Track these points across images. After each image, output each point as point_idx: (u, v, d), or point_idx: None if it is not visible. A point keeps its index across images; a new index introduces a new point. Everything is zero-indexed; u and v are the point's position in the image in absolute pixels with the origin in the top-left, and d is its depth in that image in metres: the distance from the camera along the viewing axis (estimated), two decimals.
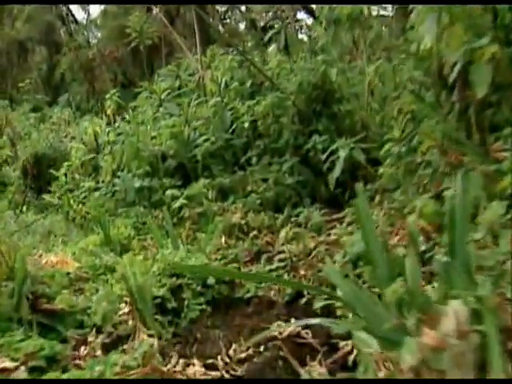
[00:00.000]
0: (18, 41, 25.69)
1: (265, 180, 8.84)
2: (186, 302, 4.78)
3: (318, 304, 4.27)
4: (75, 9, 27.70)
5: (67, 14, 27.52)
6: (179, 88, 13.18)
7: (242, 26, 35.98)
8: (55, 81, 25.05)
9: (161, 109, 11.42)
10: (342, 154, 7.43)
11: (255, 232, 7.36)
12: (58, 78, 24.91)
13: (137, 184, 8.38)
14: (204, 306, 4.81)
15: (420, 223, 4.88)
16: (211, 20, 24.65)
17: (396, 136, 6.55)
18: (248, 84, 10.84)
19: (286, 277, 5.18)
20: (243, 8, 38.22)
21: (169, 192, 8.24)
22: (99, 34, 27.18)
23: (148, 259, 5.46)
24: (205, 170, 9.27)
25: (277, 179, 8.77)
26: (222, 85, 11.02)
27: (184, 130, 9.77)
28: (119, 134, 9.54)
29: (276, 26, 20.83)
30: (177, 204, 7.89)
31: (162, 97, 12.26)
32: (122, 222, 7.62)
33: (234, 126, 9.80)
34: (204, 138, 9.50)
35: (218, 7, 35.31)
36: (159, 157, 9.43)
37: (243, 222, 7.54)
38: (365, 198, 3.51)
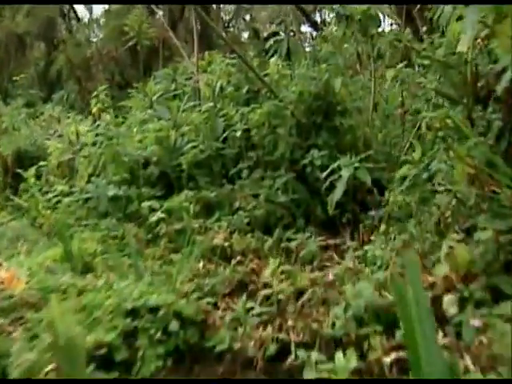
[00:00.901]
0: (17, 34, 24.55)
1: (255, 196, 7.72)
2: (140, 353, 3.65)
3: (309, 374, 3.14)
4: (78, 6, 26.57)
5: (69, 11, 26.47)
6: (174, 92, 12.09)
7: (245, 35, 35.03)
8: (51, 77, 23.95)
9: (150, 111, 10.29)
10: (346, 173, 6.33)
11: (239, 257, 6.23)
12: (54, 75, 23.81)
13: (111, 192, 7.23)
14: (163, 360, 3.68)
15: (442, 270, 3.78)
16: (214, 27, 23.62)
17: (416, 158, 5.41)
18: (244, 90, 9.73)
19: (270, 328, 4.02)
20: (248, 17, 37.30)
21: (146, 203, 7.09)
22: (100, 34, 26.10)
23: (101, 290, 4.33)
24: (190, 181, 8.14)
25: (268, 196, 7.65)
26: (217, 89, 9.90)
27: (171, 135, 8.63)
28: (98, 135, 8.40)
29: (280, 35, 19.92)
30: (153, 218, 6.75)
31: (154, 98, 11.17)
32: (90, 236, 6.48)
33: (225, 135, 8.68)
34: (192, 144, 8.38)
35: (222, 15, 34.47)
36: (140, 163, 8.30)
37: (227, 244, 6.41)
38: (419, 280, 2.38)
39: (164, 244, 6.34)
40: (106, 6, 26.58)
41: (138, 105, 11.31)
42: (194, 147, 8.32)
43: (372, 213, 6.33)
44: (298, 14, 21.87)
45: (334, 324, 3.65)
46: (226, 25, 35.41)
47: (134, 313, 3.85)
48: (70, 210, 7.70)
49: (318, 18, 27.41)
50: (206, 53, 13.06)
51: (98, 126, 8.61)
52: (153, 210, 7.03)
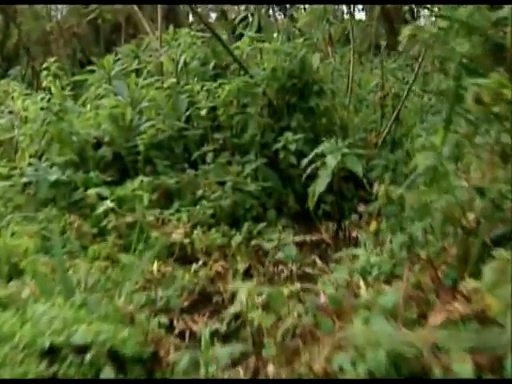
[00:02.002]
0: None
1: (221, 183, 6.55)
2: None
3: None
4: None
5: None
6: (137, 70, 10.76)
7: (213, 15, 33.44)
8: (8, 52, 22.27)
9: (106, 85, 8.97)
10: (332, 161, 5.19)
11: (202, 257, 5.10)
12: (10, 49, 22.14)
13: (53, 176, 5.96)
14: None
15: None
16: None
17: (437, 143, 4.27)
18: (211, 65, 8.52)
19: (241, 371, 2.88)
20: None
21: (93, 190, 5.85)
22: (62, 7, 24.31)
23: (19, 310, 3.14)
24: (147, 165, 6.92)
25: (236, 184, 6.50)
26: (180, 64, 8.64)
27: (127, 112, 7.37)
28: (43, 109, 7.09)
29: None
30: (101, 208, 5.53)
31: (112, 73, 9.84)
32: (23, 229, 5.24)
33: (188, 113, 7.47)
34: (150, 123, 7.14)
35: None
36: (91, 143, 7.05)
37: (187, 240, 5.26)
38: None
39: (112, 240, 5.13)
40: None
41: (95, 80, 9.98)
42: (153, 126, 7.08)
43: (361, 208, 5.23)
44: None
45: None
46: (194, 5, 33.74)
47: (53, 353, 2.69)
48: (8, 197, 6.40)
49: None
50: (171, 27, 11.76)
51: (43, 99, 7.28)
52: (101, 199, 5.80)
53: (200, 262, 4.94)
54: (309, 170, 5.19)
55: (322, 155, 5.40)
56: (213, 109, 7.34)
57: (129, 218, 5.35)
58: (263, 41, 8.19)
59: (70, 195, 6.01)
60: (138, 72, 10.39)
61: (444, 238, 3.36)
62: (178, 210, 6.03)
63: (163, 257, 4.86)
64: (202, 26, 9.62)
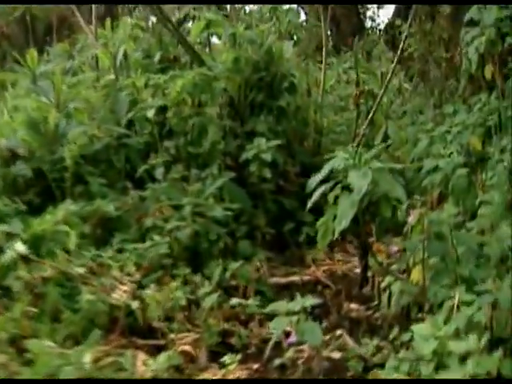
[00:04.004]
0: None
1: (177, 207, 4.68)
2: None
3: None
4: None
5: None
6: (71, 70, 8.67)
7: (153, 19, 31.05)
8: None
9: (28, 85, 6.89)
10: (360, 181, 3.18)
11: (160, 328, 3.23)
12: None
13: None
14: None
15: None
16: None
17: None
18: (156, 58, 6.61)
19: None
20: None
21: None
22: None
23: None
24: (77, 184, 4.96)
25: (197, 207, 4.63)
26: (119, 57, 6.69)
27: (51, 115, 5.36)
28: None
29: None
30: (7, 256, 3.56)
31: (39, 73, 7.74)
32: None
33: (130, 116, 5.55)
34: (81, 129, 5.19)
35: None
36: (3, 157, 5.04)
37: (136, 304, 3.35)
38: None
39: (21, 310, 3.18)
40: None
41: (17, 79, 7.87)
42: (85, 133, 5.13)
43: (393, 249, 3.42)
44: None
45: None
46: (133, 9, 31.39)
47: None
48: None
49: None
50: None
51: None
52: (11, 239, 3.83)
53: (158, 341, 3.06)
54: (317, 196, 3.33)
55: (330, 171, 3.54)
56: (162, 109, 5.45)
57: (47, 272, 3.40)
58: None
59: None
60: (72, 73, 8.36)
61: None
62: (119, 250, 4.12)
63: (98, 339, 2.94)
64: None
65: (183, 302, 3.45)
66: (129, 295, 3.35)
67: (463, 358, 2.20)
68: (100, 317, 3.17)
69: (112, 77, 6.36)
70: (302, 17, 14.19)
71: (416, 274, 3.05)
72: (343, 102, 8.44)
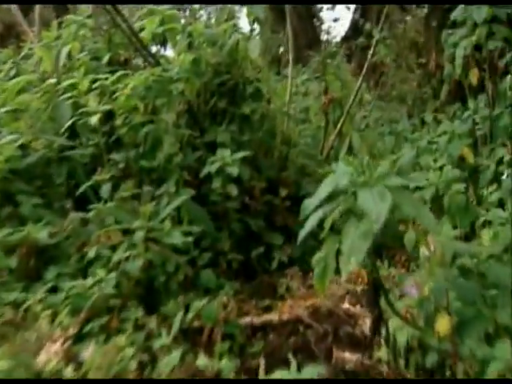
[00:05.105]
0: None
1: (126, 232, 3.76)
2: None
3: None
4: None
5: None
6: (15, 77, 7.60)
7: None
8: None
9: None
10: (378, 204, 2.23)
11: None
12: None
13: None
14: None
15: None
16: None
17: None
18: (105, 60, 5.67)
19: None
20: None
21: None
22: None
23: None
24: (5, 205, 3.98)
25: (150, 232, 3.72)
26: (62, 58, 5.73)
27: None
28: None
29: None
30: None
31: None
32: None
33: (69, 123, 4.61)
34: (9, 138, 4.21)
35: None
36: None
37: (69, 369, 2.42)
38: None
39: None
40: None
41: None
42: (14, 143, 4.16)
43: (412, 290, 2.56)
44: None
45: None
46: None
47: None
48: None
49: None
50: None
51: None
52: None
53: None
54: (312, 225, 2.45)
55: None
56: (109, 116, 4.53)
57: None
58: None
59: None
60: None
61: None
62: (53, 288, 3.18)
63: None
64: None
65: (133, 365, 2.54)
66: (61, 358, 2.43)
67: None
68: None
69: (54, 80, 5.40)
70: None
71: (443, 324, 2.23)
72: (303, 114, 7.71)
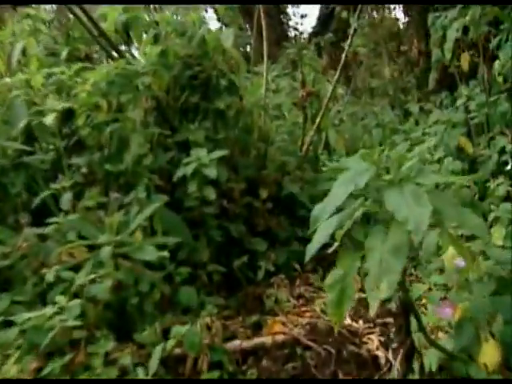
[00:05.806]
0: None
1: (91, 248, 3.20)
2: None
3: None
4: None
5: None
6: None
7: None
8: None
9: None
10: (419, 220, 1.82)
11: None
12: None
13: None
14: None
15: None
16: None
17: None
18: (63, 55, 5.07)
19: None
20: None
21: None
22: None
23: None
24: None
25: (120, 247, 3.16)
26: (16, 56, 5.13)
27: None
28: None
29: None
30: None
31: None
32: None
33: (23, 124, 4.01)
34: None
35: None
36: None
37: None
38: None
39: None
40: None
41: None
42: None
43: (446, 309, 2.05)
44: None
45: None
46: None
47: None
48: None
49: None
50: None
51: None
52: None
53: None
54: (325, 238, 1.90)
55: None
56: (68, 115, 3.94)
57: None
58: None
59: None
60: None
61: None
62: (5, 322, 2.61)
63: None
64: None
65: None
66: None
67: None
68: None
69: (7, 80, 4.79)
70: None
71: (490, 353, 1.75)
72: (276, 110, 7.21)
